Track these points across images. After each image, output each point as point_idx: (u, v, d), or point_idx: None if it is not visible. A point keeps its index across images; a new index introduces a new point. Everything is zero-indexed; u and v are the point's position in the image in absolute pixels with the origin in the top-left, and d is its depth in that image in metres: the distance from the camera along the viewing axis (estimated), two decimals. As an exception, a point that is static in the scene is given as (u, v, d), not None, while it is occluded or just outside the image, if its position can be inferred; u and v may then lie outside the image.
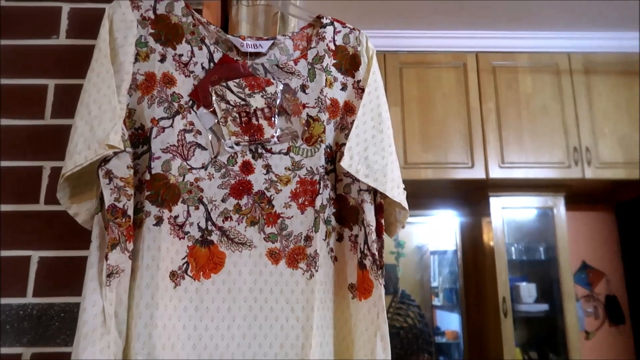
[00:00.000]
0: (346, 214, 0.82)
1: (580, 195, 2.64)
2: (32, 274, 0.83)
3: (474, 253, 2.72)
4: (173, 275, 0.72)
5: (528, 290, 2.51)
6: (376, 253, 0.76)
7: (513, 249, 2.58)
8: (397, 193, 0.79)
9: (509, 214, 2.54)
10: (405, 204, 0.80)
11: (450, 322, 2.84)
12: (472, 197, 2.67)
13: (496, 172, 2.39)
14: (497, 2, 2.32)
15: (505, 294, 2.37)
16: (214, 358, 0.72)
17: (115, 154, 0.70)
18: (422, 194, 2.72)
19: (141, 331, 0.68)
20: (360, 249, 0.78)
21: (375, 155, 0.79)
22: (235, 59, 0.81)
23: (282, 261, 0.76)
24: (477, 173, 2.39)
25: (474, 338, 2.70)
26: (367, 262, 0.77)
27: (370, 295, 0.76)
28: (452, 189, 2.64)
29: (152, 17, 0.79)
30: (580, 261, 2.78)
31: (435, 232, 2.92)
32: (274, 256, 0.76)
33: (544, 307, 2.49)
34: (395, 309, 2.73)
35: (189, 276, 0.73)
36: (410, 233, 2.88)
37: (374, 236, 0.76)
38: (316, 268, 0.76)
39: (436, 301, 2.87)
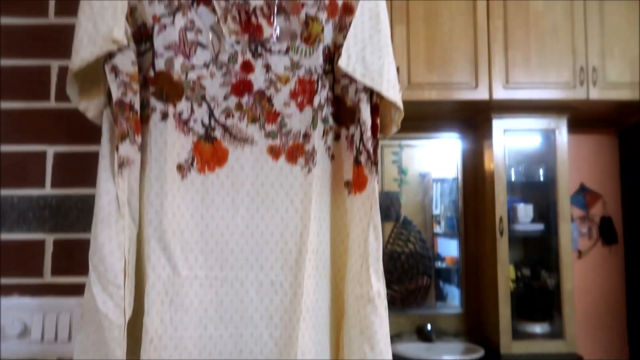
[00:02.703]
0: (344, 114, 0.85)
1: (584, 118, 2.63)
2: (49, 167, 0.89)
3: (475, 179, 2.75)
4: (180, 168, 0.77)
5: (525, 211, 2.57)
6: (371, 149, 0.80)
7: (513, 170, 2.61)
8: (393, 93, 0.82)
9: (511, 139, 2.54)
10: (400, 104, 0.83)
11: (450, 249, 2.90)
12: (476, 120, 2.67)
13: (500, 93, 2.36)
14: None
15: (503, 214, 2.43)
16: (220, 245, 0.78)
17: (120, 50, 0.72)
18: (426, 117, 2.72)
19: (152, 218, 0.74)
20: (356, 146, 0.82)
21: (373, 56, 0.81)
22: (233, -43, 0.81)
23: (282, 157, 0.80)
24: (481, 94, 2.37)
25: (471, 261, 2.77)
26: (362, 158, 0.81)
27: (364, 189, 0.81)
28: (455, 111, 2.63)
29: None
30: (579, 184, 2.84)
31: (438, 158, 2.92)
32: (274, 152, 0.80)
33: (539, 226, 2.57)
34: (397, 235, 2.81)
35: (195, 169, 0.78)
36: (413, 159, 2.89)
37: (369, 133, 0.80)
38: (314, 163, 0.80)
39: (438, 229, 2.92)
